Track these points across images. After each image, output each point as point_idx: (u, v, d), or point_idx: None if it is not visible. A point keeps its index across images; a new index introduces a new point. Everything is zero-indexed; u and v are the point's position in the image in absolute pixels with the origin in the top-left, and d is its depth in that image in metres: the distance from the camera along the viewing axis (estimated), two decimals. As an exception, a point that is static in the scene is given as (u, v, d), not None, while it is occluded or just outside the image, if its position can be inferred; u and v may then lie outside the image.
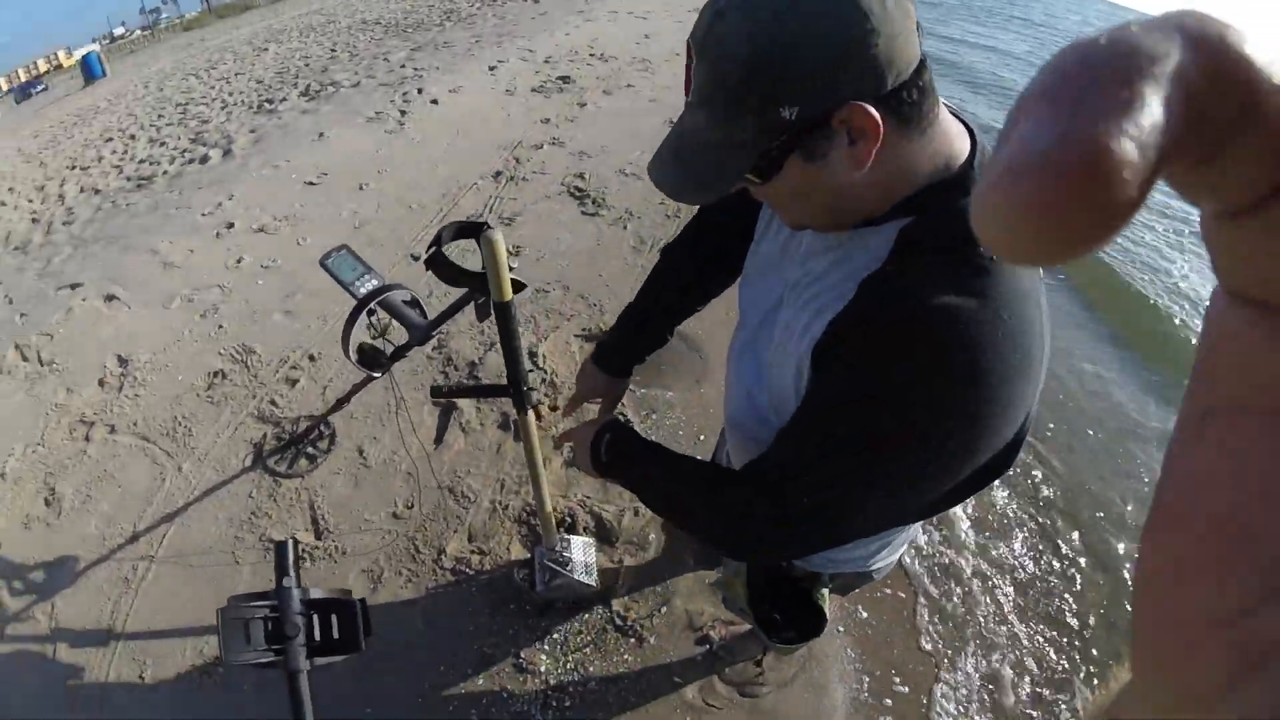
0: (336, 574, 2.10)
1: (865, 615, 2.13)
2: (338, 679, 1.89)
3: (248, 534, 2.18)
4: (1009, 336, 0.57)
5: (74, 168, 5.61)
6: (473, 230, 1.36)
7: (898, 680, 1.99)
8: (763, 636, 1.09)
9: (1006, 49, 11.70)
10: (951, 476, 0.62)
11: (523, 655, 1.96)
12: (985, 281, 0.57)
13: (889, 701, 1.94)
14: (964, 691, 1.98)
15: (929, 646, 2.06)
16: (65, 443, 2.44)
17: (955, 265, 0.59)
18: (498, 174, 4.39)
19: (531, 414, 1.52)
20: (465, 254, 3.25)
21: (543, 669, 1.95)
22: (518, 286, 1.31)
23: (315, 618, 0.60)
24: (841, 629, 2.08)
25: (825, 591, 1.05)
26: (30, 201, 4.79)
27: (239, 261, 3.34)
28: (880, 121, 0.55)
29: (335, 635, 0.60)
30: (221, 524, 2.21)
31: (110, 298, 3.08)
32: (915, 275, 0.60)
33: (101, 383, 2.64)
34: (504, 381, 1.44)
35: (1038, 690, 2.01)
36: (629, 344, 1.16)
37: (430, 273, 1.33)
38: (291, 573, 0.61)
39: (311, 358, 2.78)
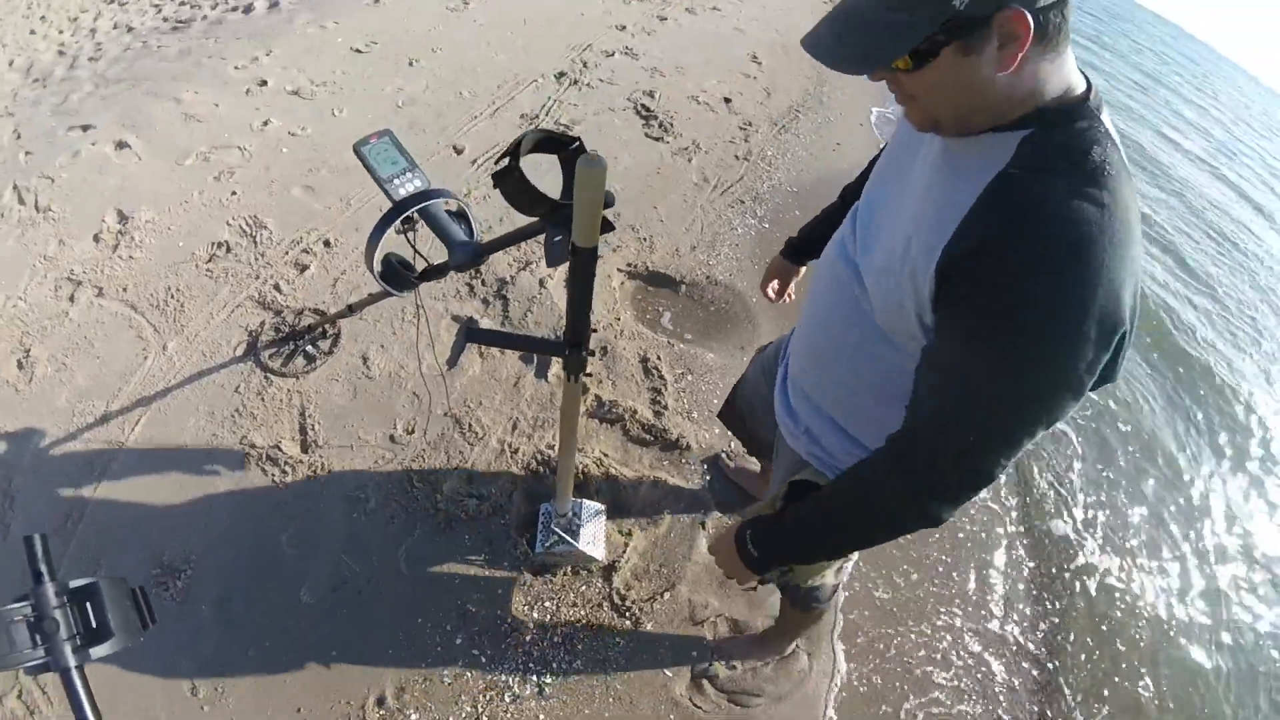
0: (323, 493, 1.89)
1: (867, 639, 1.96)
2: (313, 615, 1.70)
3: (228, 433, 1.95)
4: (1123, 244, 0.63)
5: (112, 1, 5.22)
6: (561, 146, 1.03)
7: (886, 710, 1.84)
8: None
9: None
10: (1078, 380, 0.66)
11: (509, 620, 1.76)
12: (1103, 192, 0.64)
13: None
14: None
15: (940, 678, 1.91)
16: (49, 300, 2.19)
17: (1075, 175, 0.65)
18: (561, 74, 3.98)
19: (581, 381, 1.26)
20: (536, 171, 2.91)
21: (528, 638, 1.74)
22: (605, 227, 0.99)
23: (89, 606, 0.57)
24: (842, 646, 1.94)
25: None
26: (61, 33, 4.41)
27: (265, 124, 3.02)
28: (1030, 31, 0.61)
29: (109, 621, 0.57)
30: (201, 417, 1.97)
31: (121, 145, 2.78)
32: (1041, 179, 0.66)
33: (97, 238, 2.37)
34: (555, 336, 1.21)
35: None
36: (806, 244, 1.40)
37: (497, 189, 1.00)
38: (43, 567, 0.57)
39: (327, 243, 2.50)
